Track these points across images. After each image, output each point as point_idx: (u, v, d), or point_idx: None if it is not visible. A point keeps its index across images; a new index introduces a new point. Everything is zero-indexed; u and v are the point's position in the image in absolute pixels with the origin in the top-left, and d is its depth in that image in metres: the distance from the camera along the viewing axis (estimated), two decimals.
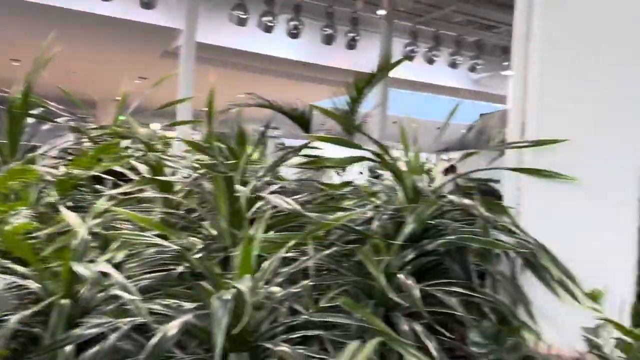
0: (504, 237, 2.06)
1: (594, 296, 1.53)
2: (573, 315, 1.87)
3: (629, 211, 2.11)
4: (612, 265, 2.05)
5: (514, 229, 1.99)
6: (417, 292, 1.55)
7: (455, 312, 1.63)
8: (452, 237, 1.94)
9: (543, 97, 2.23)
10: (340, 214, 1.74)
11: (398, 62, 4.29)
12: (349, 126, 3.00)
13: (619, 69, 2.11)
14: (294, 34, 12.93)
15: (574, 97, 2.16)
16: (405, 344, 1.35)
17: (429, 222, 2.16)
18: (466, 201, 1.90)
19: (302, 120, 4.05)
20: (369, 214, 2.11)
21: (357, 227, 1.92)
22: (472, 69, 15.69)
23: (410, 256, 1.89)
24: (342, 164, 2.27)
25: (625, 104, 2.11)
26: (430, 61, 14.60)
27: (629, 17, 2.12)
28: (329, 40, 13.39)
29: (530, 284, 2.08)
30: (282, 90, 8.43)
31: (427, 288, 1.72)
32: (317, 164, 2.29)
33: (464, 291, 1.76)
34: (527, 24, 2.31)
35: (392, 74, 13.24)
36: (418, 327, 1.60)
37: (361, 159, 2.11)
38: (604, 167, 2.10)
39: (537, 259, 2.00)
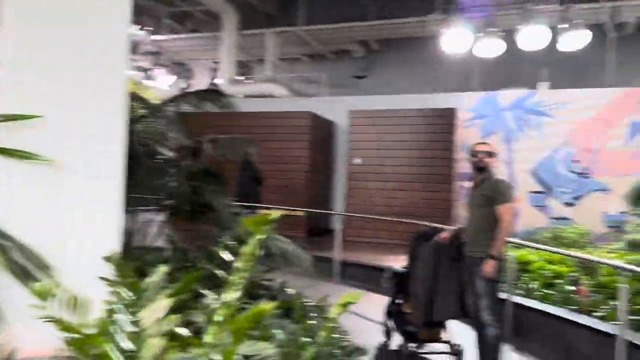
0: None
1: (43, 292, 1.39)
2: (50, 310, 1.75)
3: (114, 189, 2.13)
4: (97, 246, 2.03)
5: None
6: None
7: None
8: None
9: (18, 68, 1.95)
10: None
11: None
12: None
13: (88, 50, 2.04)
14: None
15: (50, 73, 1.98)
16: None
17: None
18: None
19: None
20: None
21: None
22: None
23: None
24: None
25: (101, 80, 2.06)
26: None
27: None
28: None
29: (6, 279, 1.84)
30: None
31: None
32: None
33: None
34: None
35: None
36: None
37: None
38: (83, 145, 2.02)
39: (8, 253, 1.78)
